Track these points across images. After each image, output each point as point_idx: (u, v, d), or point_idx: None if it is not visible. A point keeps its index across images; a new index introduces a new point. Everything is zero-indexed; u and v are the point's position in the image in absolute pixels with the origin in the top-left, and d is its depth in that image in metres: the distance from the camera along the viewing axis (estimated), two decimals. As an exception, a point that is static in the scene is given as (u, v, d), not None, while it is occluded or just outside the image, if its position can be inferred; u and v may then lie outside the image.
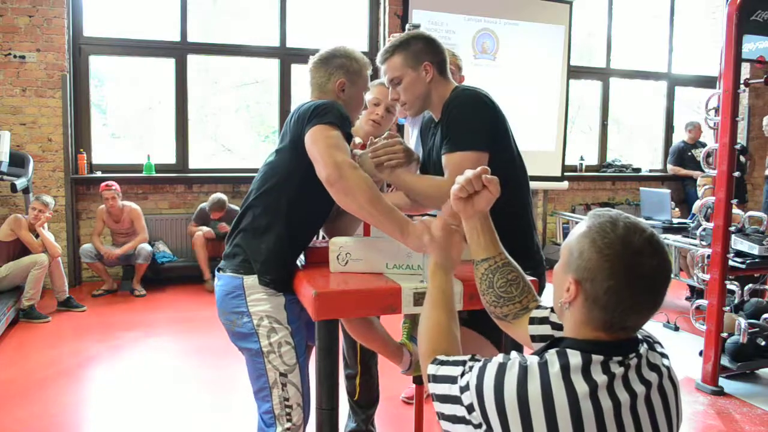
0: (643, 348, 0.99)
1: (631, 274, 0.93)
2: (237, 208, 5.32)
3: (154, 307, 4.75)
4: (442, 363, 1.08)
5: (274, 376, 1.66)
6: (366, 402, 2.49)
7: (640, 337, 1.02)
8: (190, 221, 5.43)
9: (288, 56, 5.90)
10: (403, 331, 2.12)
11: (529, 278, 1.29)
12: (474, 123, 1.67)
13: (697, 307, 3.44)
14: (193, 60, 5.76)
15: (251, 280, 1.65)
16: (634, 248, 0.93)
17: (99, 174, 5.36)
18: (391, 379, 2.88)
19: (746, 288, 3.40)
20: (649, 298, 0.95)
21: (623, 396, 0.93)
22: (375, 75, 1.86)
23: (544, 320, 1.22)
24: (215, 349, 3.68)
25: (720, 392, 3.16)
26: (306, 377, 1.71)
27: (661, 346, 1.05)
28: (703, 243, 3.40)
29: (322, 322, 1.49)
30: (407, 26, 2.27)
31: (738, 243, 3.38)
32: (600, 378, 0.93)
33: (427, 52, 1.73)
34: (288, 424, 1.67)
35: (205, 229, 5.19)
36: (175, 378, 3.35)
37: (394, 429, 2.75)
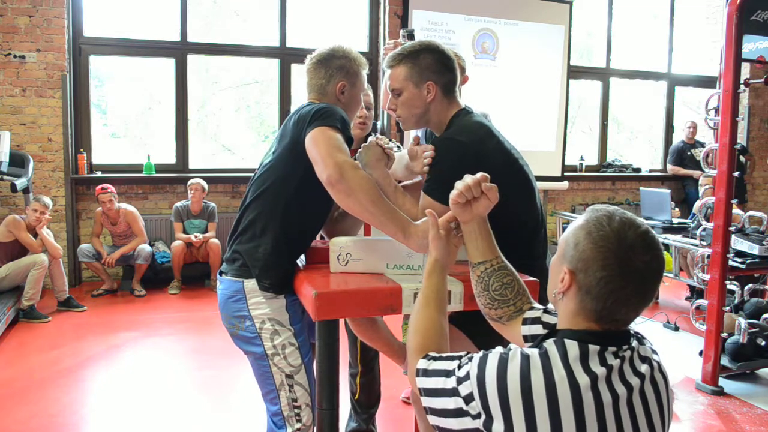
0: (634, 341, 1.03)
1: (623, 267, 0.96)
2: (213, 204, 5.32)
3: (154, 307, 4.75)
4: (434, 359, 1.09)
5: (281, 378, 1.66)
6: (367, 401, 2.49)
7: (631, 331, 1.05)
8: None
9: (288, 56, 5.90)
10: (404, 331, 2.12)
11: (528, 279, 1.30)
12: (437, 172, 1.60)
13: (697, 307, 3.44)
14: (193, 60, 5.76)
15: (251, 284, 1.64)
16: (628, 242, 0.96)
17: (99, 174, 5.36)
18: (392, 379, 2.88)
19: (746, 288, 3.40)
20: (640, 292, 0.98)
21: (620, 389, 0.96)
22: (372, 74, 1.82)
23: (536, 320, 1.24)
24: (215, 349, 3.68)
25: (720, 392, 3.17)
26: (313, 376, 1.70)
27: (650, 342, 1.08)
28: (703, 243, 3.40)
29: (323, 322, 1.49)
30: (401, 32, 2.13)
31: (738, 243, 3.38)
32: (599, 370, 0.95)
33: (434, 70, 1.64)
34: (298, 425, 1.67)
35: (184, 236, 5.17)
36: (174, 378, 3.35)
37: (395, 429, 2.75)
